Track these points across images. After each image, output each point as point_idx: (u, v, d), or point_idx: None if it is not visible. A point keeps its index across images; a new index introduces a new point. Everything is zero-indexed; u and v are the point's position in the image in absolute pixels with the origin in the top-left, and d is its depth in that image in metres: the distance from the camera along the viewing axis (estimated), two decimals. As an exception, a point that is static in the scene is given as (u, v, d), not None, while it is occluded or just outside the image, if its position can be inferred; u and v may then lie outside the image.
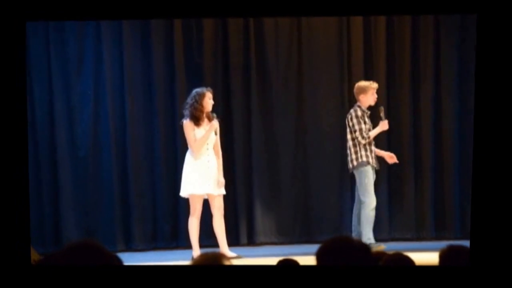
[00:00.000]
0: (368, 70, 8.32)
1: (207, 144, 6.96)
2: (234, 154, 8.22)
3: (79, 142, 7.98)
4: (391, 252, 3.12)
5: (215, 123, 6.98)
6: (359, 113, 7.32)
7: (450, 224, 8.26)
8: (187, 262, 5.00)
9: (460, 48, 8.24)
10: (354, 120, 7.30)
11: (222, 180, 7.05)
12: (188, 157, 7.00)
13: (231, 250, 7.09)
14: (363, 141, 7.27)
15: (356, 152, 7.31)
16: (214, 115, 7.05)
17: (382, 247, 7.10)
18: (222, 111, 8.15)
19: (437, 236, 8.13)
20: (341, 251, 2.79)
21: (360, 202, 7.29)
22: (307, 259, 3.08)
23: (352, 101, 8.30)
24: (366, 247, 2.81)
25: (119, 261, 2.85)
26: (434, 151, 8.34)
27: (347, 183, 8.28)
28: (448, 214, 8.30)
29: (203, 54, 8.20)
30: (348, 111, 8.26)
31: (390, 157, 7.51)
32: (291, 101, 8.35)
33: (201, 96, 6.96)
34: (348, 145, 7.37)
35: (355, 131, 7.29)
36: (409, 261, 3.00)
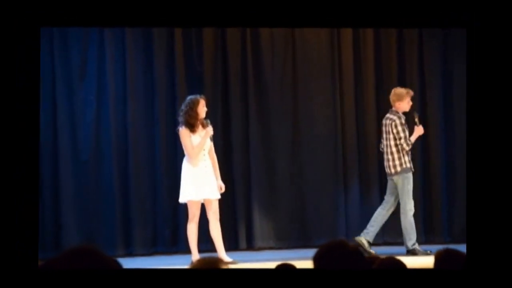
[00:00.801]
0: (357, 80, 8.52)
1: (204, 150, 7.01)
2: (232, 160, 8.30)
3: (81, 147, 8.04)
4: (384, 256, 3.18)
5: (210, 130, 7.03)
6: (403, 120, 7.46)
7: (438, 229, 8.38)
8: (186, 267, 5.04)
9: (443, 58, 8.49)
10: (399, 128, 7.41)
11: (223, 185, 7.11)
12: (186, 164, 7.03)
13: (230, 255, 7.14)
14: (407, 148, 7.41)
15: (399, 158, 7.42)
16: (208, 121, 7.10)
17: (428, 252, 7.29)
18: (221, 118, 8.25)
19: (427, 240, 8.23)
20: (337, 255, 2.84)
21: (401, 209, 7.43)
22: (305, 264, 3.13)
23: (344, 108, 8.49)
24: (359, 251, 2.87)
25: (119, 266, 2.89)
26: (421, 157, 8.48)
27: (341, 187, 8.39)
28: (436, 219, 8.42)
29: (203, 62, 8.30)
30: (340, 118, 8.44)
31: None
32: (286, 108, 8.48)
33: (195, 103, 7.00)
34: (389, 151, 7.46)
35: (400, 138, 7.40)
36: (401, 264, 3.06)
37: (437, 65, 8.53)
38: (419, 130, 7.50)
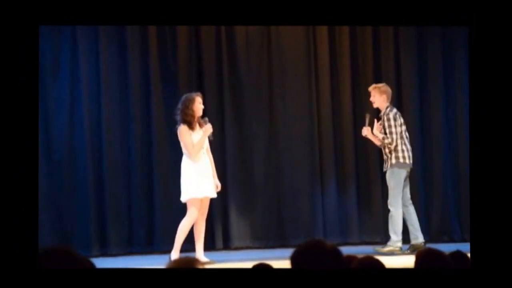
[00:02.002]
0: (333, 78, 8.54)
1: (203, 148, 6.97)
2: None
3: (54, 146, 7.95)
4: (361, 256, 3.18)
5: (210, 128, 6.97)
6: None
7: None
8: (162, 267, 4.99)
9: (419, 57, 8.54)
10: None
11: (219, 184, 7.08)
12: (187, 162, 6.92)
13: (207, 255, 7.08)
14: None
15: None
16: (206, 119, 7.04)
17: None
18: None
19: (404, 239, 8.25)
20: (314, 255, 2.82)
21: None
22: (282, 263, 3.11)
23: (320, 106, 8.52)
24: (337, 251, 2.85)
25: (93, 266, 2.85)
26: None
27: (318, 186, 8.40)
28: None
29: (177, 60, 8.25)
30: (316, 116, 8.54)
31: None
32: (262, 107, 8.46)
33: (191, 101, 6.93)
34: None
35: None
36: (379, 264, 3.05)
37: (413, 64, 8.57)
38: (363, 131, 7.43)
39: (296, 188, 8.42)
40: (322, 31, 8.52)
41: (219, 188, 7.08)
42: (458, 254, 3.44)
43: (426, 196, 8.50)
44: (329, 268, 2.78)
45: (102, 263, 6.70)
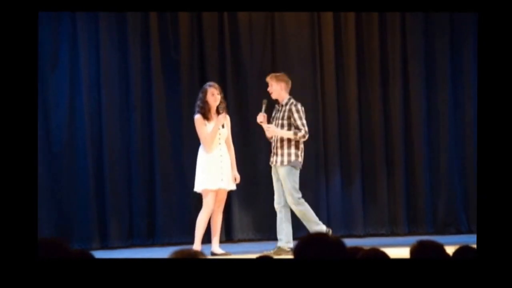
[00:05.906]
0: (338, 69, 8.45)
1: (219, 138, 6.95)
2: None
3: (54, 137, 7.90)
4: (367, 248, 3.15)
5: (221, 118, 6.99)
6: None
7: (422, 220, 8.40)
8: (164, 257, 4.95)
9: (426, 45, 8.45)
10: None
11: (238, 175, 7.08)
12: (201, 152, 6.99)
13: (208, 247, 7.07)
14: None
15: None
16: (224, 109, 7.01)
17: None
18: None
19: (410, 231, 8.26)
20: (318, 247, 2.79)
21: None
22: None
23: (324, 98, 8.45)
24: (341, 243, 2.81)
25: (92, 257, 2.82)
26: (404, 149, 8.47)
27: (323, 179, 8.34)
28: (420, 210, 8.43)
29: (179, 49, 8.18)
30: (321, 108, 8.42)
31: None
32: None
33: (204, 92, 7.00)
34: None
35: None
36: (384, 255, 3.01)
37: (420, 52, 8.46)
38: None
39: (300, 180, 8.34)
40: (327, 17, 8.40)
41: (238, 180, 7.08)
42: (464, 248, 3.34)
43: (432, 187, 8.44)
44: (333, 259, 2.74)
45: (102, 255, 6.67)
